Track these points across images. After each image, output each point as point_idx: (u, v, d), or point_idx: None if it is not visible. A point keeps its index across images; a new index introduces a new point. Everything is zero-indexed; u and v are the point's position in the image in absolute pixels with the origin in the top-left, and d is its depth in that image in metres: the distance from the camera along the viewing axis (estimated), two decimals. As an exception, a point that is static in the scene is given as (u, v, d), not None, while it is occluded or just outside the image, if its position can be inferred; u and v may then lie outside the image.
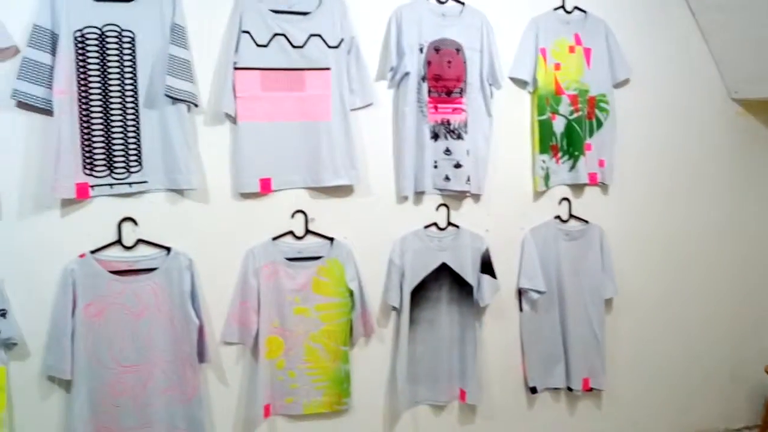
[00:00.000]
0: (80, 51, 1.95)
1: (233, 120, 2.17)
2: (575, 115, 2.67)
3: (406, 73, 2.36)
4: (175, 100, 2.03)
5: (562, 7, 2.65)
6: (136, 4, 2.00)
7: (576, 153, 2.69)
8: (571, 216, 2.75)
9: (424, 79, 2.40)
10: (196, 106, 2.10)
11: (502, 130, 2.58)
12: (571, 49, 2.66)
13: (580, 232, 2.74)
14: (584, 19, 2.69)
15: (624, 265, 2.82)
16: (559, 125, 2.66)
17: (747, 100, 3.05)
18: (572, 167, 2.70)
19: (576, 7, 2.67)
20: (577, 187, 2.75)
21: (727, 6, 2.75)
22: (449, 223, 2.54)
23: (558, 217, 2.72)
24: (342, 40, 2.25)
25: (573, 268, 2.72)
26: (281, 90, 2.21)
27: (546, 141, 2.63)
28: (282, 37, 2.19)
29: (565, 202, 2.74)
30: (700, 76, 2.97)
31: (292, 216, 2.29)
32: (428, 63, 2.40)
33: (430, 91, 2.41)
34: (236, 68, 2.14)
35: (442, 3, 2.45)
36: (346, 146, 2.28)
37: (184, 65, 2.04)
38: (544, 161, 2.63)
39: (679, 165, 2.95)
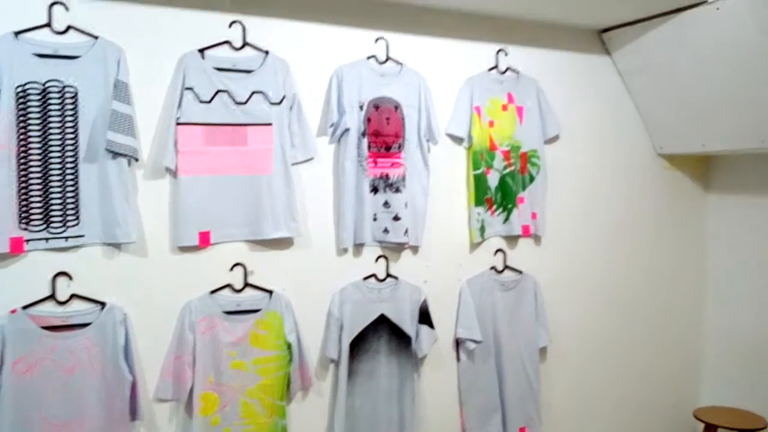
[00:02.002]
0: (21, 106, 2.04)
1: (174, 174, 2.29)
2: (508, 170, 2.91)
3: (347, 129, 2.54)
4: (116, 154, 2.14)
5: (496, 67, 2.91)
6: (80, 61, 2.11)
7: (509, 206, 2.92)
8: (506, 267, 2.96)
9: (364, 134, 2.58)
10: (136, 160, 2.21)
11: (439, 183, 2.78)
12: (504, 108, 2.91)
13: (515, 282, 2.95)
14: (517, 79, 2.95)
15: (557, 315, 3.06)
16: (493, 179, 2.89)
17: (672, 155, 3.37)
18: (506, 219, 2.93)
19: (509, 68, 2.94)
20: (512, 239, 2.98)
21: (652, 69, 3.07)
22: (388, 275, 2.70)
23: (493, 267, 2.93)
24: (284, 97, 2.42)
25: (508, 318, 2.92)
26: (223, 144, 2.34)
27: (481, 194, 2.84)
28: (225, 94, 2.34)
29: (500, 253, 2.95)
30: (628, 132, 3.29)
31: (231, 269, 2.41)
32: (368, 120, 2.59)
33: (369, 146, 2.60)
34: (179, 123, 2.26)
35: (382, 63, 2.66)
36: (287, 199, 2.43)
37: (126, 120, 2.15)
38: (479, 214, 2.85)
39: (608, 217, 3.24)
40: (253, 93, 2.37)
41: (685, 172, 3.47)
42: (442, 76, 2.79)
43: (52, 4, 2.09)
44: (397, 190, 2.64)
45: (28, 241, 2.09)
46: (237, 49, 2.38)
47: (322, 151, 2.56)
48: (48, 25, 2.09)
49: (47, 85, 2.08)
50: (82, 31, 2.13)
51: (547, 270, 3.04)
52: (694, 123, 3.07)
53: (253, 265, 2.44)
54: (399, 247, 2.70)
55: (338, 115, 2.54)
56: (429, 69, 2.74)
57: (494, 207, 2.91)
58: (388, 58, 2.67)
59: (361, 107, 2.58)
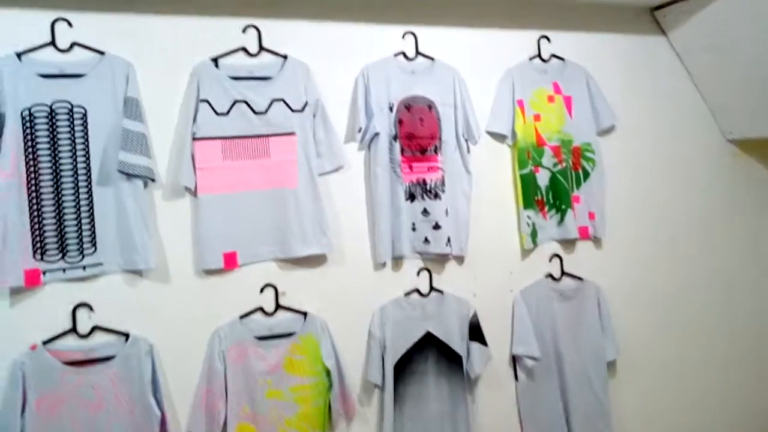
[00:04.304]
0: (28, 130, 1.98)
1: (193, 193, 2.19)
2: (559, 167, 2.70)
3: (376, 134, 2.39)
4: (130, 175, 2.05)
5: (538, 55, 2.72)
6: (86, 79, 2.05)
7: (563, 206, 2.71)
8: (564, 274, 2.74)
9: (395, 138, 2.43)
10: (153, 180, 2.12)
11: (482, 186, 2.60)
12: (551, 99, 2.71)
13: (575, 291, 2.73)
14: (563, 67, 2.75)
15: (625, 324, 2.81)
16: (543, 178, 2.69)
17: (743, 140, 3.09)
18: (560, 222, 2.71)
19: (553, 55, 2.74)
20: (568, 243, 2.77)
21: (714, 45, 2.82)
22: (432, 289, 2.53)
23: (550, 275, 2.72)
24: (306, 104, 2.30)
25: (570, 330, 2.70)
26: (244, 158, 2.23)
27: (530, 195, 2.65)
28: (243, 104, 2.23)
29: (556, 259, 2.74)
30: (692, 118, 3.03)
31: (261, 291, 2.28)
32: (399, 121, 2.44)
33: (403, 150, 2.44)
34: (195, 139, 2.17)
35: (411, 60, 2.51)
36: (315, 213, 2.30)
37: (139, 139, 2.07)
38: (529, 217, 2.65)
39: (676, 213, 2.98)
40: (272, 101, 2.26)
41: (760, 158, 3.17)
42: (478, 70, 2.62)
43: (55, 20, 2.02)
44: (436, 196, 2.47)
45: (44, 272, 2.02)
46: (253, 56, 2.28)
47: (352, 159, 2.43)
48: (52, 43, 2.02)
49: (54, 106, 2.01)
50: (88, 47, 2.06)
51: (610, 275, 2.81)
52: (766, 104, 2.79)
53: (285, 285, 2.32)
54: (442, 259, 2.53)
55: (366, 119, 2.40)
56: (464, 63, 2.58)
57: (546, 209, 2.70)
58: (417, 54, 2.52)
59: (390, 108, 2.44)
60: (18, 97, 1.97)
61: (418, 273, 2.52)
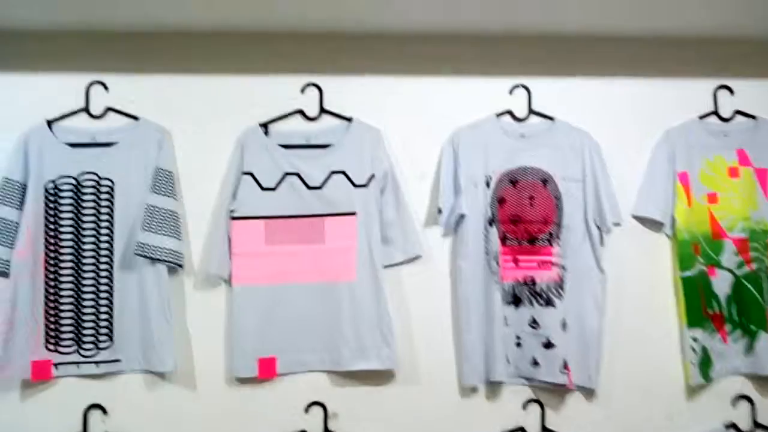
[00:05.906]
0: (51, 205, 1.79)
1: (229, 282, 1.82)
2: (747, 269, 1.91)
3: (461, 216, 1.85)
4: (153, 259, 1.76)
5: (715, 113, 1.98)
6: (117, 148, 1.83)
7: (753, 327, 1.90)
8: (757, 425, 1.91)
9: (491, 222, 1.86)
10: (180, 266, 1.80)
11: (624, 292, 1.91)
12: (733, 172, 1.95)
13: (776, 453, 1.86)
14: (753, 129, 2.00)
15: None
16: (721, 284, 1.92)
17: None
18: (749, 349, 1.92)
19: (738, 112, 1.98)
20: (763, 381, 1.93)
21: None
22: (545, 429, 1.86)
23: (733, 425, 1.90)
24: (372, 177, 1.84)
25: None
26: (292, 242, 1.84)
27: (698, 308, 1.90)
28: (295, 177, 1.85)
29: (743, 403, 1.91)
30: None
31: (306, 410, 1.82)
32: (500, 200, 1.87)
33: (505, 239, 1.86)
34: (233, 218, 1.82)
35: (521, 120, 1.95)
36: (376, 315, 1.81)
37: (167, 217, 1.78)
38: (696, 339, 1.89)
39: None
40: (331, 173, 1.85)
41: None
42: (621, 132, 1.98)
43: (91, 84, 1.84)
44: (548, 303, 1.83)
45: (57, 365, 1.78)
46: (311, 120, 1.90)
47: (434, 247, 1.91)
48: (85, 109, 1.84)
49: (81, 178, 1.81)
50: (122, 113, 1.85)
51: (836, 434, 1.88)
52: None
53: (337, 405, 1.84)
54: (559, 389, 1.85)
55: (454, 196, 1.87)
56: (599, 123, 1.95)
57: (727, 328, 1.90)
58: (530, 113, 1.94)
59: (487, 183, 1.88)
60: (43, 169, 1.80)
61: (524, 406, 1.87)
